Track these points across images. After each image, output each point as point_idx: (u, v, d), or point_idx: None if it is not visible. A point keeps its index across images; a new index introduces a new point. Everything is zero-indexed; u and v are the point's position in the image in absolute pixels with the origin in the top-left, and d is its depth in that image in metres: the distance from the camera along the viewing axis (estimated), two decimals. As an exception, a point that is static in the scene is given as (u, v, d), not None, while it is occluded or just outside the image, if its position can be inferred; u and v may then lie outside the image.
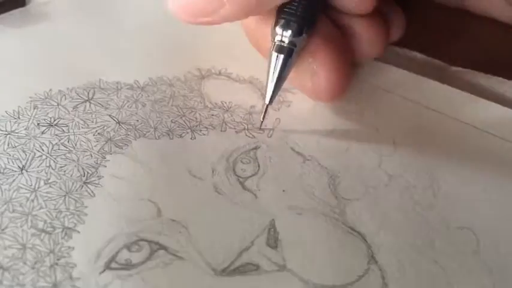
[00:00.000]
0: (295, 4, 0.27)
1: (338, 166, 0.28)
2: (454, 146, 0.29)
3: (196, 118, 0.30)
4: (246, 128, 0.30)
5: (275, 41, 0.27)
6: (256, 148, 0.29)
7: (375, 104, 0.31)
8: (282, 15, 0.27)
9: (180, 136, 0.29)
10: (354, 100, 0.32)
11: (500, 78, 0.32)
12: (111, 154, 0.27)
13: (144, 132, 0.29)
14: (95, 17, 0.36)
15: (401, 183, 0.27)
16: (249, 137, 0.29)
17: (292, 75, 0.28)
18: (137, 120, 0.29)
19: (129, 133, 0.28)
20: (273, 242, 0.25)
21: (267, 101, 0.28)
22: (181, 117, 0.30)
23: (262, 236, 0.25)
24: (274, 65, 0.27)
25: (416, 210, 0.26)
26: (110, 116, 0.29)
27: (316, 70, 0.28)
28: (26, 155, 0.27)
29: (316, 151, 0.29)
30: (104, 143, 0.28)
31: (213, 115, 0.30)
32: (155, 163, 0.27)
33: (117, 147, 0.28)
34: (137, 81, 0.31)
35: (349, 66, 0.29)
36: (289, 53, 0.27)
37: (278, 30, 0.27)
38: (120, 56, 0.33)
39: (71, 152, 0.27)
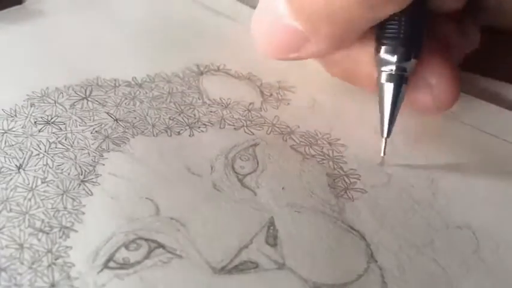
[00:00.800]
0: (396, 22, 0.25)
1: (338, 165, 0.28)
2: (453, 146, 0.29)
3: (194, 115, 0.30)
4: (245, 124, 0.29)
5: (382, 69, 0.26)
6: (255, 145, 0.28)
7: (373, 103, 0.31)
8: (384, 39, 0.26)
9: (179, 133, 0.29)
10: (354, 99, 0.31)
11: (501, 82, 0.32)
12: (108, 152, 0.27)
13: (142, 130, 0.28)
14: (91, 14, 0.35)
15: (401, 182, 0.27)
16: (247, 133, 0.29)
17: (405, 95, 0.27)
18: (135, 118, 0.29)
19: (126, 130, 0.28)
20: (272, 239, 0.25)
21: (384, 135, 0.27)
22: (179, 114, 0.29)
23: (261, 234, 0.25)
24: (387, 95, 0.26)
25: (415, 210, 0.26)
26: (107, 113, 0.29)
27: (436, 83, 0.27)
28: (23, 153, 0.27)
29: (315, 149, 0.29)
30: (102, 140, 0.28)
31: (211, 112, 0.30)
32: (153, 161, 0.27)
33: (114, 145, 0.27)
34: (135, 78, 0.31)
35: (459, 72, 0.28)
36: (402, 81, 0.26)
37: (384, 56, 0.26)
38: (117, 53, 0.33)
39: (68, 150, 0.27)
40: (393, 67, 0.25)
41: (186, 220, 0.25)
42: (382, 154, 0.27)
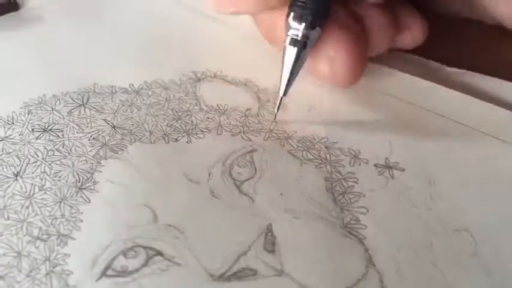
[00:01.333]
0: None
1: (335, 169, 0.28)
2: (451, 147, 0.29)
3: (192, 121, 0.30)
4: (242, 131, 0.29)
5: (288, 34, 0.28)
6: (252, 151, 0.28)
7: (372, 106, 0.31)
8: (295, 7, 0.27)
9: (176, 140, 0.29)
10: (350, 102, 0.31)
11: (498, 80, 0.32)
12: (106, 159, 0.27)
13: (140, 137, 0.28)
14: (88, 21, 0.35)
15: (399, 185, 0.27)
16: (245, 140, 0.29)
17: (308, 62, 0.29)
18: (132, 125, 0.29)
19: (124, 137, 0.28)
20: (270, 246, 0.25)
21: (281, 93, 0.28)
22: (176, 121, 0.29)
23: (259, 240, 0.25)
24: (288, 57, 0.28)
25: (413, 213, 0.26)
26: (104, 120, 0.29)
27: (333, 56, 0.29)
28: (20, 161, 0.26)
29: (313, 153, 0.29)
30: (99, 147, 0.28)
31: (208, 118, 0.30)
32: (151, 167, 0.27)
33: (112, 152, 0.27)
34: (132, 85, 0.31)
35: (365, 52, 0.30)
36: (303, 46, 0.28)
37: (292, 23, 0.28)
38: (114, 60, 0.33)
39: (65, 157, 0.27)
40: (298, 33, 0.27)
41: (184, 227, 0.25)
42: (275, 110, 0.30)
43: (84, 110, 0.29)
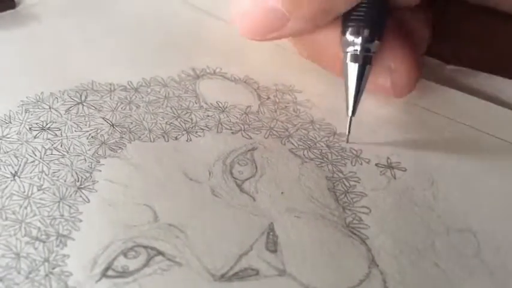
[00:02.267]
0: (362, 9, 0.27)
1: (337, 169, 0.28)
2: (453, 147, 0.29)
3: (191, 119, 0.29)
4: (243, 128, 0.29)
5: (348, 50, 0.27)
6: (253, 149, 0.28)
7: (373, 106, 0.31)
8: (350, 22, 0.27)
9: (176, 138, 0.28)
10: None
11: (499, 78, 0.32)
12: (105, 158, 0.27)
13: (139, 135, 0.28)
14: (86, 18, 0.35)
15: (401, 185, 0.27)
16: (245, 137, 0.29)
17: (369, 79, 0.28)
18: (131, 123, 0.29)
19: (123, 136, 0.28)
20: (272, 245, 0.24)
21: (349, 113, 0.28)
22: (176, 119, 0.29)
23: (261, 240, 0.25)
24: (351, 75, 0.27)
25: (416, 213, 0.26)
26: (103, 118, 0.29)
27: (394, 68, 0.28)
28: (18, 160, 0.26)
29: (314, 152, 0.28)
30: (98, 146, 0.27)
31: (208, 116, 0.30)
32: (150, 166, 0.27)
33: (111, 150, 0.27)
34: (130, 82, 0.31)
35: (420, 58, 0.30)
36: (366, 61, 0.27)
37: (349, 38, 0.27)
38: (112, 57, 0.32)
39: (64, 156, 0.27)
40: (358, 48, 0.27)
41: (185, 227, 0.25)
42: (347, 132, 0.28)
43: (83, 108, 0.29)
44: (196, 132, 0.29)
